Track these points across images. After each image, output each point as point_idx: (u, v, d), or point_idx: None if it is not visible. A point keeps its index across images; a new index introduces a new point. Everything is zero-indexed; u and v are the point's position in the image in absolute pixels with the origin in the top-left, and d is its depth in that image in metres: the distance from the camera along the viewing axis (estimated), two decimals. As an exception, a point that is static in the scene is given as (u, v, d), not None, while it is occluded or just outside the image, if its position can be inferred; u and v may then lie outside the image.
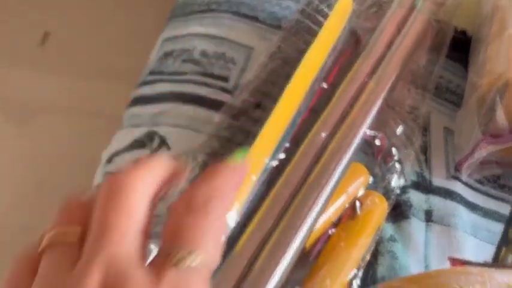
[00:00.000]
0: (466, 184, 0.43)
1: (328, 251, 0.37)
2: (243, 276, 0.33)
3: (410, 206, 0.41)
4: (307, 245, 0.37)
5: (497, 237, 0.41)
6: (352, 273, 0.36)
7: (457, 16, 0.52)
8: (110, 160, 0.46)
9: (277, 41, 0.48)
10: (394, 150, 0.42)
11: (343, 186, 0.39)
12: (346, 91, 0.43)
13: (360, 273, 0.37)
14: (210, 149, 0.41)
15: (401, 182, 0.41)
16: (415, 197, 0.42)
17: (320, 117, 0.41)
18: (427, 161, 0.44)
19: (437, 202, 0.42)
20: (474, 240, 0.41)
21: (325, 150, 0.39)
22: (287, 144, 0.39)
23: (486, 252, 0.40)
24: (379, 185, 0.41)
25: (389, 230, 0.40)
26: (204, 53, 0.51)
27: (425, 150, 0.45)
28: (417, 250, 0.40)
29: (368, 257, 0.38)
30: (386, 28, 0.47)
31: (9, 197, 1.01)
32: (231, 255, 0.35)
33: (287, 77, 0.44)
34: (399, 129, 0.43)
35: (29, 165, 1.04)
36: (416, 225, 0.40)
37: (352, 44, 0.48)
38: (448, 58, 0.50)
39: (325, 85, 0.43)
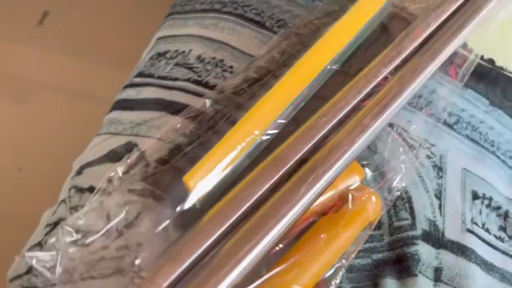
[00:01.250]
0: (483, 240, 0.38)
1: (304, 242, 0.32)
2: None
3: (418, 260, 0.36)
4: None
5: (514, 307, 0.36)
6: (332, 271, 0.33)
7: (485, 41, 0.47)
8: (80, 171, 0.40)
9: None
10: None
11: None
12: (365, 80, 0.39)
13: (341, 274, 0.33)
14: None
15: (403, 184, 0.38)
16: (424, 251, 0.36)
17: (328, 103, 0.37)
18: (441, 207, 0.39)
19: (448, 259, 0.36)
20: (488, 309, 0.35)
21: (328, 138, 0.35)
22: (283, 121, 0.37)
23: (500, 323, 0.35)
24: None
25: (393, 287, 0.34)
26: (200, 58, 0.45)
27: (439, 194, 0.39)
28: (421, 314, 0.34)
29: (353, 256, 0.34)
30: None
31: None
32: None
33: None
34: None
35: (13, 148, 0.99)
36: (422, 285, 0.35)
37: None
38: (471, 89, 0.45)
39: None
